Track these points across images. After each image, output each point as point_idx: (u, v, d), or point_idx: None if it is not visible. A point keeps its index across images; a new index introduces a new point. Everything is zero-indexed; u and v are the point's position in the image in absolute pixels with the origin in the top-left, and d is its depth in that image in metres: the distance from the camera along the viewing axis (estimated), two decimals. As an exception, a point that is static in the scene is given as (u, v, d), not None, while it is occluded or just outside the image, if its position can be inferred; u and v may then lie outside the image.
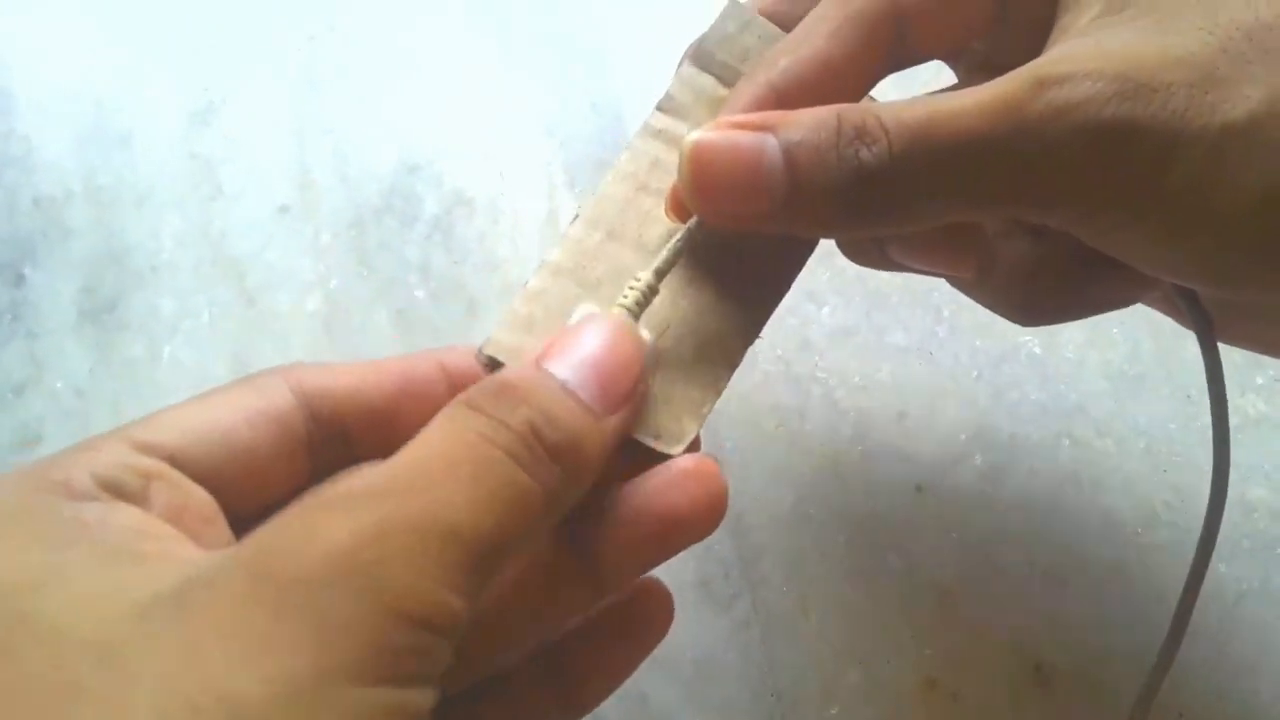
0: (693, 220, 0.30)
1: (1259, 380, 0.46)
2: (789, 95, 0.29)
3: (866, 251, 0.34)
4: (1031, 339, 0.46)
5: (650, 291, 0.29)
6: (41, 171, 0.45)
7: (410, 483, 0.22)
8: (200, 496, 0.26)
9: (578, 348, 0.26)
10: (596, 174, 0.47)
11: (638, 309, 0.29)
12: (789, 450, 0.43)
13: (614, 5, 0.51)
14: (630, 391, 0.26)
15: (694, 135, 0.28)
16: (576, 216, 0.32)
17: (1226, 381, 0.45)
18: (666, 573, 0.41)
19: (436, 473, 0.23)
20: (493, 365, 0.29)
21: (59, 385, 0.42)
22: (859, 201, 0.27)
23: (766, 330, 0.42)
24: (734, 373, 0.31)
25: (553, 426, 0.24)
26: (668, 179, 0.32)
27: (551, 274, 0.31)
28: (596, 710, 0.39)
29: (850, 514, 0.42)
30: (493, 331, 0.29)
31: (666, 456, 0.29)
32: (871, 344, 0.45)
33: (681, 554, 0.40)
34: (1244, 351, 0.45)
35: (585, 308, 0.29)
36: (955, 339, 0.45)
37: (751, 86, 0.30)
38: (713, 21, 0.34)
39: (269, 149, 0.46)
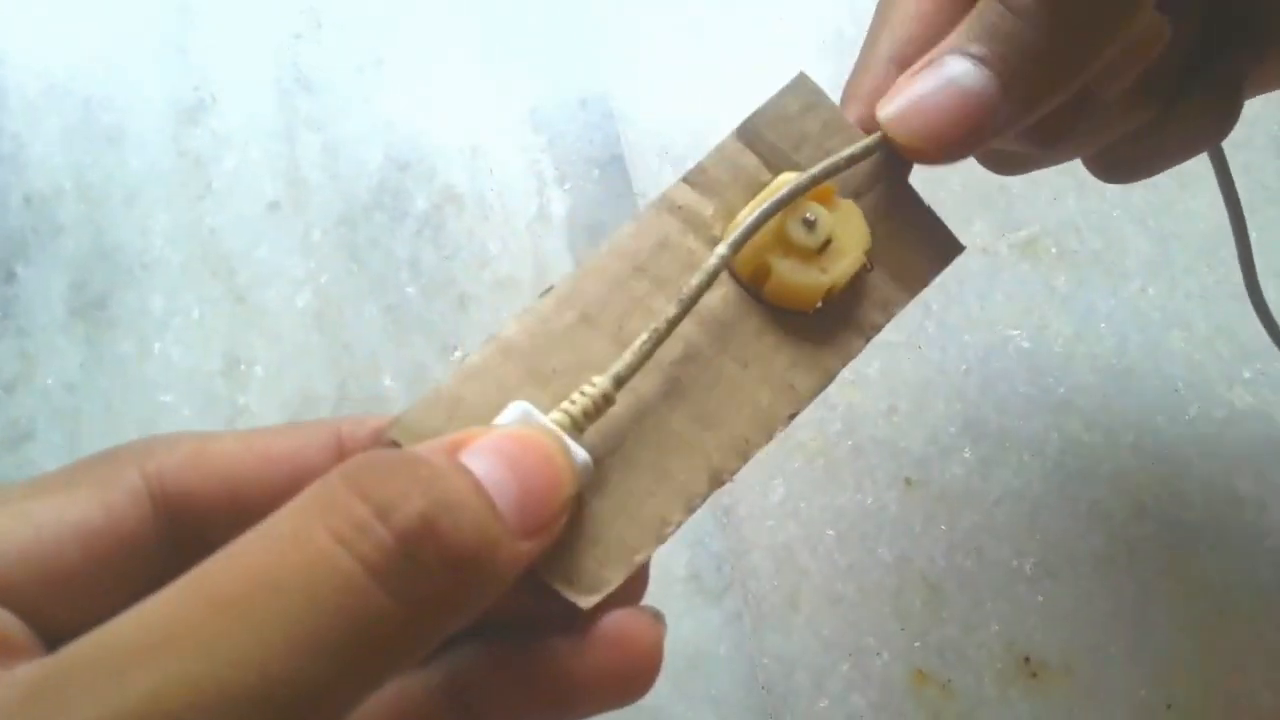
0: (664, 318, 0.25)
1: (1246, 374, 0.46)
2: (909, 58, 0.28)
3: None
4: (1020, 333, 0.46)
5: (604, 401, 0.24)
6: (31, 169, 0.45)
7: (205, 624, 0.17)
8: (7, 624, 0.20)
9: (501, 449, 0.21)
10: (585, 170, 0.47)
11: (584, 420, 0.24)
12: (779, 444, 0.43)
13: (602, 2, 0.51)
14: (550, 521, 0.21)
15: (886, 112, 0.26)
16: (550, 288, 0.27)
17: (1213, 376, 0.46)
18: (657, 565, 0.41)
19: (250, 601, 0.17)
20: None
21: (50, 382, 0.42)
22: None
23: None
24: (688, 518, 0.25)
25: (459, 527, 0.19)
26: (673, 266, 0.27)
27: (500, 352, 0.26)
28: (587, 703, 0.39)
29: (840, 507, 0.42)
30: (408, 409, 0.24)
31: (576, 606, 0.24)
32: (861, 338, 0.45)
33: (672, 546, 0.41)
34: (1230, 343, 0.46)
35: (518, 406, 0.23)
36: (944, 333, 0.46)
37: (872, 70, 0.29)
38: (773, 95, 0.29)
39: (258, 146, 0.46)
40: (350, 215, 0.45)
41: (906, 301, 0.28)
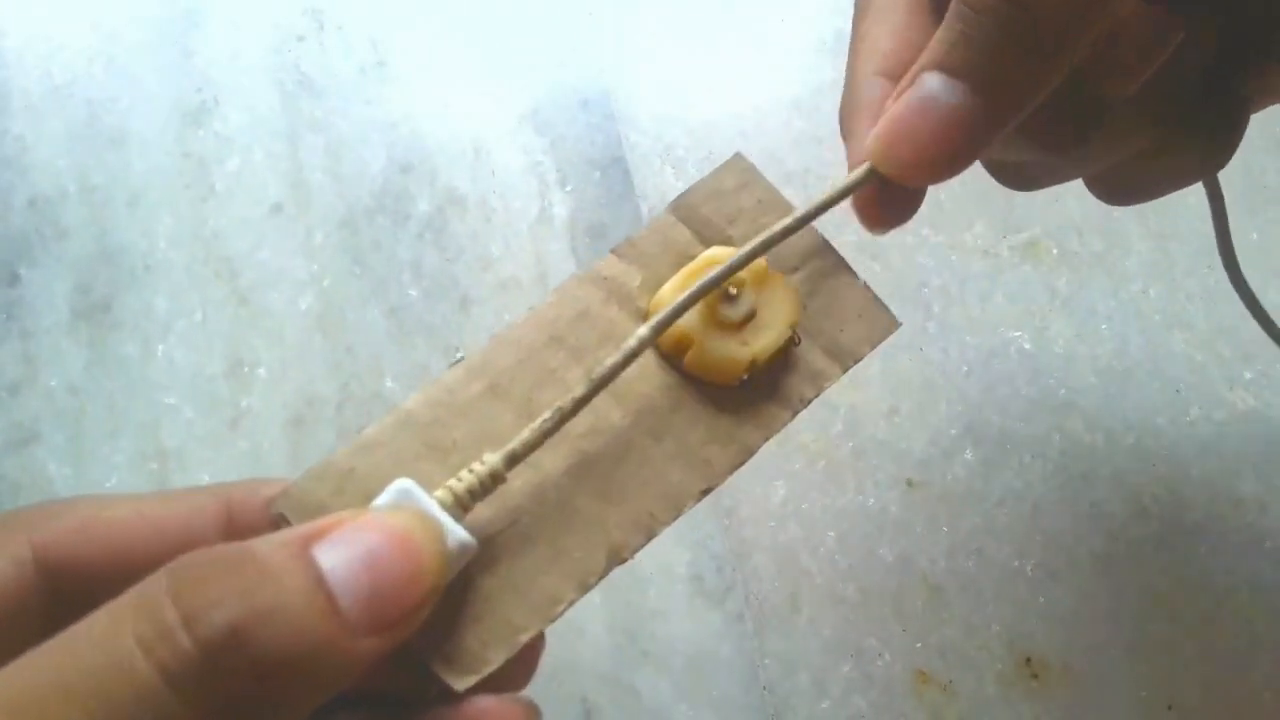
0: (570, 398, 0.24)
1: (1247, 375, 0.46)
2: (898, 71, 0.28)
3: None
4: (1021, 334, 0.46)
5: (492, 480, 0.23)
6: (35, 171, 0.45)
7: None
8: None
9: (358, 539, 0.20)
10: (587, 172, 0.47)
11: (469, 499, 0.23)
12: (781, 445, 0.43)
13: (605, 4, 0.51)
14: (405, 616, 0.20)
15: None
16: (460, 358, 0.26)
17: (1214, 378, 0.46)
18: (658, 567, 0.41)
19: (44, 703, 0.17)
20: (285, 524, 0.23)
21: (53, 384, 0.42)
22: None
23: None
24: (583, 595, 0.25)
25: (274, 634, 0.18)
26: (592, 336, 0.27)
27: (397, 424, 0.25)
28: (590, 704, 0.39)
29: (842, 508, 0.43)
30: (296, 480, 0.24)
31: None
32: (862, 340, 0.45)
33: (674, 547, 0.41)
34: (1231, 344, 0.46)
35: (399, 485, 0.23)
36: (945, 335, 0.46)
37: (863, 90, 0.29)
38: (709, 172, 0.29)
39: (261, 148, 0.47)
40: (353, 217, 0.46)
41: (839, 375, 0.28)
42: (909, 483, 0.43)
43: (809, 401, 0.27)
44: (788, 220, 0.27)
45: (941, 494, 0.43)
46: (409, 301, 0.45)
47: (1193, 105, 0.30)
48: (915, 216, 0.47)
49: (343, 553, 0.20)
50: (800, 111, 0.49)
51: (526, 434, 0.24)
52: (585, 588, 0.25)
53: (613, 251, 0.28)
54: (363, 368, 0.43)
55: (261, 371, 0.43)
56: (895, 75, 0.28)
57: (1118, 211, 0.48)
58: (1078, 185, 0.48)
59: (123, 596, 0.18)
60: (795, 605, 0.41)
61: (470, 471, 0.23)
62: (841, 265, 0.29)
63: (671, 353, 0.27)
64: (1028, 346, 0.46)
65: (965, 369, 0.45)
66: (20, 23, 0.48)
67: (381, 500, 0.23)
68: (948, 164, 0.26)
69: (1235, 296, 0.47)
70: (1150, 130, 0.31)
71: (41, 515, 0.23)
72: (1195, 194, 0.48)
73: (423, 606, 0.21)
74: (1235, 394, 0.46)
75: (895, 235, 0.47)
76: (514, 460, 0.24)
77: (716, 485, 0.26)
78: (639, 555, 0.36)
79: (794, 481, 0.43)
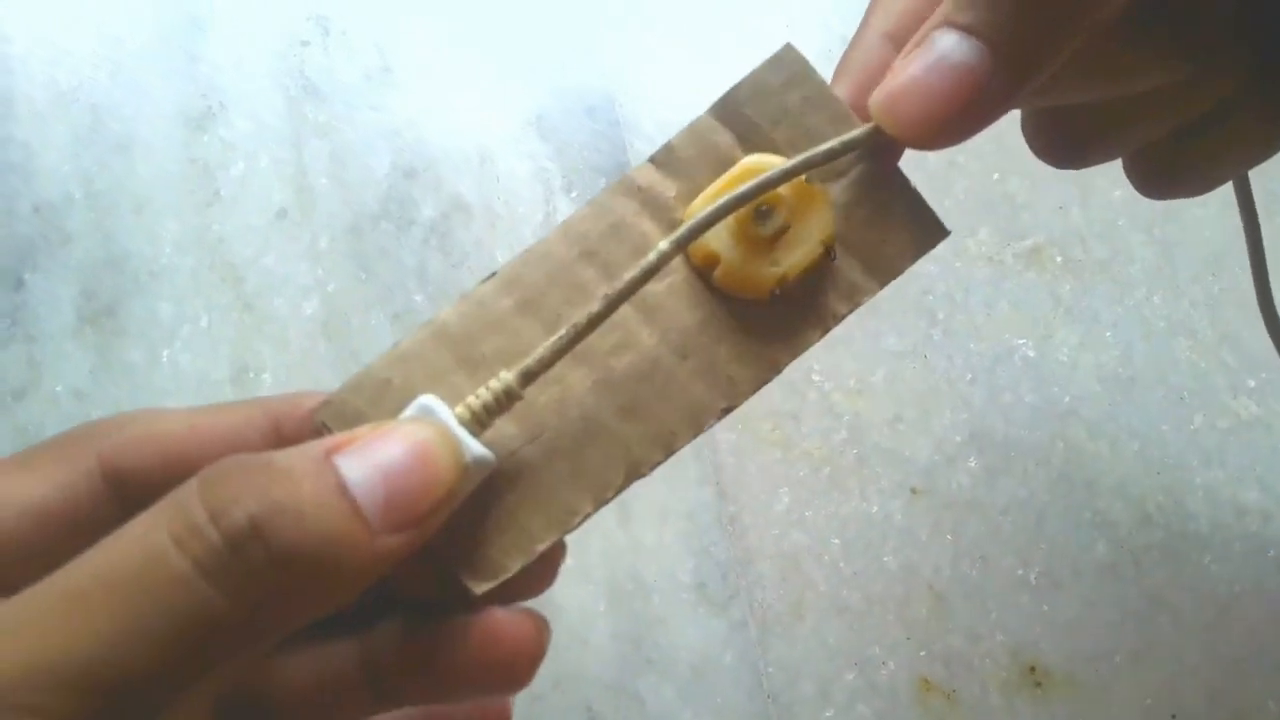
0: (585, 314, 0.24)
1: (1251, 383, 0.46)
2: (904, 31, 0.26)
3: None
4: (1025, 342, 0.46)
5: (508, 397, 0.24)
6: (41, 177, 0.45)
7: (50, 614, 0.19)
8: None
9: (379, 450, 0.22)
10: (592, 178, 0.47)
11: (486, 415, 0.24)
12: (785, 453, 0.43)
13: (610, 10, 0.51)
14: (421, 516, 0.22)
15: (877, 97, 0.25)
16: (494, 273, 0.26)
17: (1218, 385, 0.46)
18: (662, 574, 0.41)
19: (91, 594, 0.19)
20: (327, 431, 0.25)
21: (58, 389, 0.42)
22: None
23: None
24: (599, 509, 0.25)
25: (287, 528, 0.20)
26: (623, 251, 0.26)
27: (432, 337, 0.26)
28: (594, 711, 0.39)
29: (846, 516, 0.43)
30: (337, 390, 0.25)
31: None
32: (866, 348, 0.45)
33: (678, 554, 0.41)
34: (1235, 352, 0.46)
35: (425, 401, 0.24)
36: (949, 342, 0.46)
37: (863, 45, 0.27)
38: (755, 67, 0.27)
39: (266, 154, 0.47)
40: (358, 223, 0.46)
41: (876, 291, 0.27)
42: (913, 490, 0.43)
43: (841, 319, 0.27)
44: (836, 142, 0.25)
45: (946, 502, 0.43)
46: (414, 307, 0.45)
47: (1265, 69, 0.27)
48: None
49: (363, 460, 0.21)
50: (805, 118, 0.49)
51: (541, 351, 0.24)
52: (602, 501, 0.25)
53: (650, 159, 0.27)
54: (367, 374, 0.43)
55: (266, 377, 0.43)
56: (901, 38, 0.27)
57: (1122, 219, 0.48)
58: (1083, 192, 0.48)
59: (160, 500, 0.20)
60: (799, 613, 0.41)
61: (487, 389, 0.24)
62: (892, 171, 0.27)
63: (703, 266, 0.26)
64: (1031, 354, 0.46)
65: (969, 376, 0.45)
66: (26, 29, 0.48)
67: (405, 415, 0.24)
68: (957, 126, 0.25)
69: (1239, 304, 0.47)
70: (1219, 83, 0.28)
71: (106, 428, 0.25)
72: (1201, 202, 0.49)
73: (437, 511, 0.22)
74: (1239, 402, 0.46)
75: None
76: (529, 377, 0.24)
77: (738, 404, 0.26)
78: (643, 566, 0.37)
79: (798, 489, 0.43)
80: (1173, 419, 0.45)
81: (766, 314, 0.26)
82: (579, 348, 0.25)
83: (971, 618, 0.41)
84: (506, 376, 0.24)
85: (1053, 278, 0.47)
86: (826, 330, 0.27)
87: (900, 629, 0.41)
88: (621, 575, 0.41)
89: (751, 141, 0.27)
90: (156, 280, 0.44)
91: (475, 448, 0.23)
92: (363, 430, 0.22)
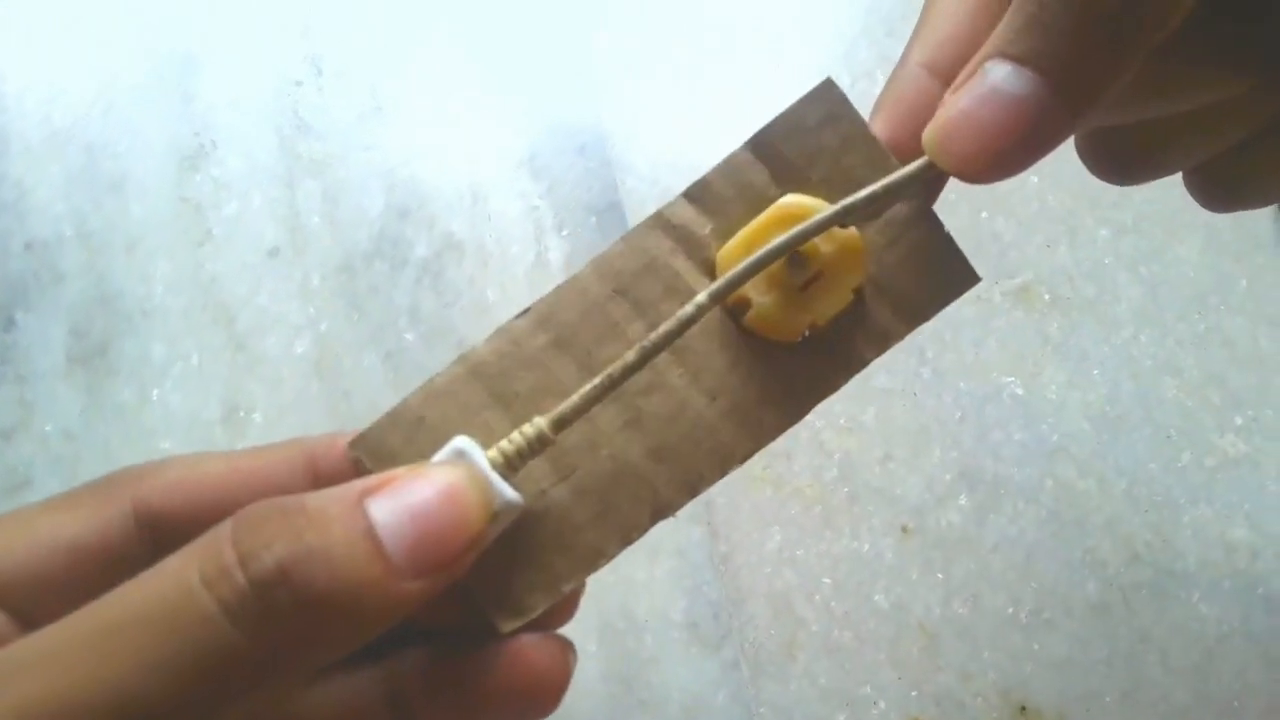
0: (620, 364, 0.24)
1: (1238, 420, 0.46)
2: (943, 62, 0.26)
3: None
4: (1014, 380, 0.46)
5: (540, 443, 0.24)
6: (33, 216, 0.45)
7: (81, 646, 0.20)
8: None
9: (411, 492, 0.22)
10: (583, 217, 0.47)
11: (518, 459, 0.24)
12: (776, 492, 0.43)
13: (601, 50, 0.51)
14: (448, 561, 0.22)
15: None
16: (528, 309, 0.26)
17: (1205, 424, 0.46)
18: (654, 614, 0.41)
19: (122, 629, 0.20)
20: (362, 466, 0.25)
21: (48, 429, 0.42)
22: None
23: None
24: (625, 549, 0.26)
25: (315, 573, 0.20)
26: (656, 289, 0.26)
27: (468, 373, 0.26)
28: (586, 754, 0.39)
29: (837, 555, 0.43)
30: (372, 425, 0.26)
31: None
32: (856, 386, 0.45)
33: (670, 594, 0.41)
34: (1221, 390, 0.46)
35: (455, 443, 0.24)
36: (939, 381, 0.46)
37: (901, 76, 0.27)
38: (792, 103, 0.27)
39: (259, 193, 0.47)
40: (350, 262, 0.46)
41: (905, 335, 0.27)
42: (904, 529, 0.43)
43: (869, 362, 0.27)
44: (879, 186, 0.25)
45: (936, 540, 0.43)
46: (406, 346, 0.45)
47: None
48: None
49: (393, 504, 0.22)
50: (794, 158, 0.50)
51: (576, 399, 0.24)
52: (628, 542, 0.26)
53: (684, 194, 0.27)
54: (360, 413, 0.43)
55: (257, 417, 0.43)
56: (942, 69, 0.27)
57: (1109, 257, 0.49)
58: (1070, 230, 0.49)
59: (192, 544, 0.21)
60: (791, 653, 0.41)
61: (520, 434, 0.24)
62: (925, 215, 0.27)
63: (733, 310, 0.26)
64: (1020, 392, 0.46)
65: (959, 415, 0.46)
66: (20, 68, 0.48)
67: (438, 457, 0.24)
68: (1012, 158, 0.24)
69: (1225, 342, 0.48)
70: (1238, 78, 0.27)
71: (141, 473, 0.26)
72: (1185, 241, 0.49)
73: (465, 555, 0.23)
74: (1226, 440, 0.46)
75: (889, 281, 0.47)
76: (562, 424, 0.24)
77: (764, 446, 0.26)
78: (634, 604, 0.37)
79: (789, 528, 0.43)
80: (1160, 457, 0.46)
81: (795, 357, 0.26)
82: None
83: (962, 657, 0.42)
84: (540, 423, 0.24)
85: (1041, 316, 0.48)
86: (853, 374, 0.27)
87: (891, 668, 0.41)
88: (613, 614, 0.41)
89: (787, 179, 0.27)
90: (148, 319, 0.44)
91: (506, 491, 0.24)
92: (398, 472, 0.23)
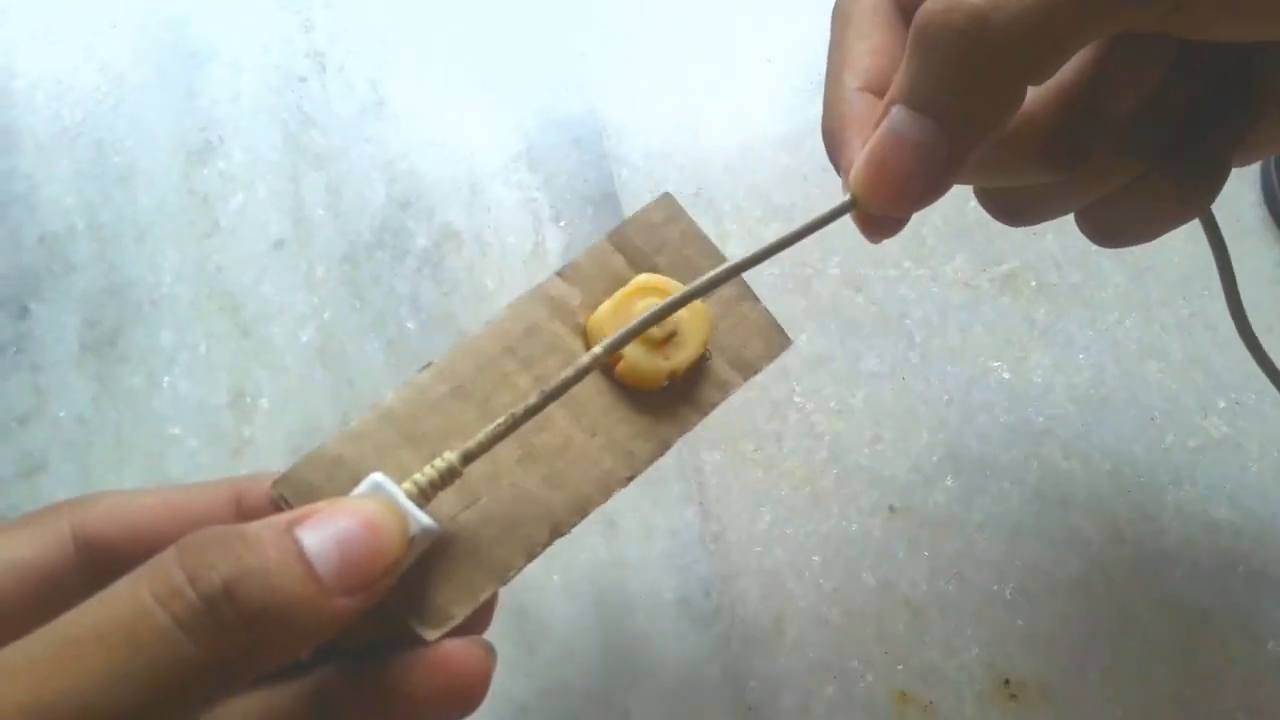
0: (522, 406, 0.28)
1: (1221, 403, 0.47)
2: (880, 86, 0.30)
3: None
4: (1000, 364, 0.47)
5: (450, 474, 0.28)
6: (45, 209, 0.46)
7: (46, 661, 0.21)
8: None
9: (335, 522, 0.25)
10: (580, 207, 0.49)
11: (431, 489, 0.27)
12: (766, 472, 0.45)
13: (597, 44, 0.52)
14: (372, 581, 0.25)
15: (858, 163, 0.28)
16: (429, 364, 0.31)
17: (1188, 406, 0.47)
18: (647, 591, 0.42)
19: (83, 643, 0.21)
20: (284, 503, 0.28)
21: (62, 415, 0.43)
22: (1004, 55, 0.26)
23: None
24: (530, 562, 0.29)
25: (255, 590, 0.23)
26: (540, 348, 0.32)
27: (380, 418, 0.30)
28: (581, 725, 0.40)
29: (825, 534, 0.44)
30: (293, 466, 0.28)
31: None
32: (846, 370, 0.47)
33: (663, 571, 0.42)
34: (1205, 374, 0.47)
35: (372, 479, 0.27)
36: (927, 365, 0.47)
37: (853, 99, 0.31)
38: (643, 207, 0.34)
39: (264, 186, 0.48)
40: (353, 253, 0.47)
41: (741, 384, 0.33)
42: (891, 508, 0.44)
43: (716, 405, 0.33)
44: (744, 257, 0.29)
45: (922, 519, 0.44)
46: (407, 334, 0.46)
47: (1174, 145, 0.31)
48: (897, 250, 0.48)
49: (320, 532, 0.24)
50: (787, 149, 0.51)
51: (481, 436, 0.28)
52: (532, 556, 0.29)
53: (558, 273, 0.33)
54: (362, 399, 0.44)
55: (264, 402, 0.44)
56: (878, 90, 0.31)
57: (1095, 245, 0.49)
58: (1057, 219, 0.50)
59: (141, 567, 0.23)
60: (780, 628, 0.42)
61: (432, 467, 0.27)
62: (747, 293, 0.34)
63: (605, 364, 0.31)
64: (1007, 376, 0.47)
65: (946, 398, 0.47)
66: (31, 65, 0.49)
67: (358, 491, 0.27)
68: (918, 198, 0.28)
69: (1209, 327, 0.49)
70: (1135, 163, 0.32)
71: (80, 504, 0.28)
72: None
73: (387, 575, 0.25)
74: (1209, 421, 0.47)
75: (878, 268, 0.48)
76: (469, 458, 0.28)
77: (639, 473, 0.31)
78: (629, 582, 0.39)
79: (779, 507, 0.44)
80: (1144, 439, 0.47)
81: (658, 400, 0.32)
82: None
83: (948, 632, 0.43)
84: (450, 457, 0.28)
85: (1027, 302, 0.49)
86: (704, 415, 0.32)
87: (878, 643, 0.42)
88: (607, 591, 0.42)
89: (639, 263, 0.33)
90: (157, 309, 0.45)
91: (422, 518, 0.27)
92: (321, 505, 0.25)
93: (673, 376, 0.32)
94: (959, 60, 0.26)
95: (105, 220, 0.47)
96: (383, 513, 0.26)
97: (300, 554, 0.24)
